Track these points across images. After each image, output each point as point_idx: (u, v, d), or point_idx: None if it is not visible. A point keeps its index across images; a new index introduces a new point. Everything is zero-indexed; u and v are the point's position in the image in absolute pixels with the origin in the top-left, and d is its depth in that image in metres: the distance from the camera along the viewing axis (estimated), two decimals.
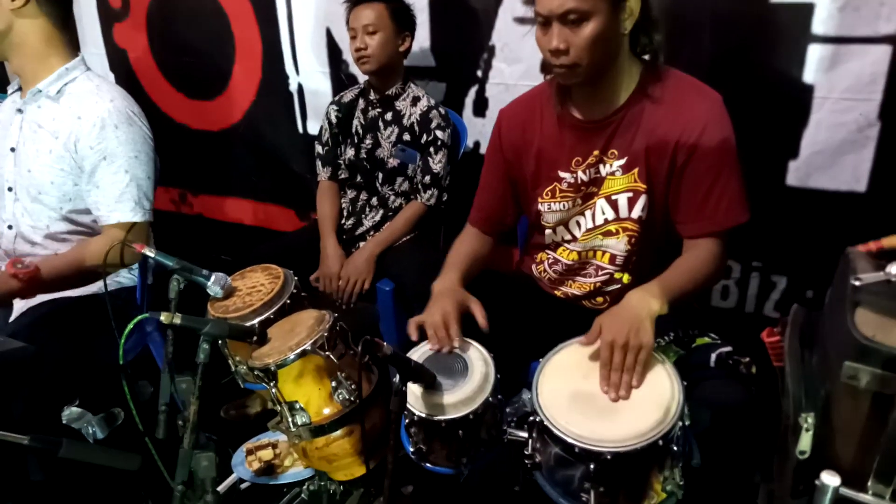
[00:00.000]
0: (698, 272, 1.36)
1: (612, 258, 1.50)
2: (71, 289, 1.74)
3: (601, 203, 1.46)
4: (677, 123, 1.35)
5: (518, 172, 1.55)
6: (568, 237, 1.54)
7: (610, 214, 1.46)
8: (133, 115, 1.75)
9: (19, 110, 1.76)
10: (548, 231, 1.56)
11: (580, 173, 1.46)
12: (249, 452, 1.68)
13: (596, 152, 1.43)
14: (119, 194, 1.71)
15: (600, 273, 1.53)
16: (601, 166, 1.44)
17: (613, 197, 1.44)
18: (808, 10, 1.68)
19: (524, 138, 1.51)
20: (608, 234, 1.48)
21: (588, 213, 1.49)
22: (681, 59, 1.83)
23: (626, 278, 1.51)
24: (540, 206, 1.53)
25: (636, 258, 1.49)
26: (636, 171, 1.41)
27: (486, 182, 1.63)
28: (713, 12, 1.78)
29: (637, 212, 1.44)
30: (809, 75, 1.73)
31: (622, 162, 1.42)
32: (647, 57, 1.40)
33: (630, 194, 1.43)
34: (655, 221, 1.44)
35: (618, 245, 1.48)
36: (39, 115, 1.73)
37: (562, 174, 1.48)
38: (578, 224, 1.51)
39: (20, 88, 1.79)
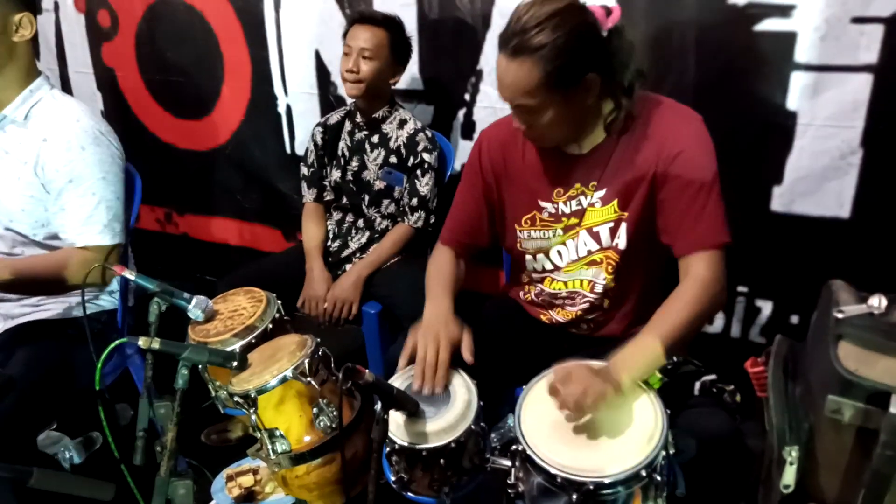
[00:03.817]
0: (687, 310, 1.28)
1: (592, 286, 1.49)
2: (34, 295, 1.69)
3: (584, 235, 1.45)
4: (654, 148, 1.34)
5: (496, 196, 1.54)
6: (549, 266, 1.53)
7: (593, 246, 1.45)
8: (100, 135, 1.70)
9: None
10: (528, 257, 1.55)
11: (562, 205, 1.45)
12: (230, 478, 1.65)
13: (577, 185, 1.43)
14: (87, 217, 1.66)
15: (583, 301, 1.52)
16: (582, 198, 1.44)
17: (595, 229, 1.44)
18: (791, 38, 1.70)
19: (505, 162, 1.50)
20: (592, 263, 1.47)
21: (570, 243, 1.48)
22: (665, 86, 1.87)
23: (605, 303, 1.51)
24: (519, 234, 1.52)
25: (615, 286, 1.47)
26: (616, 201, 1.40)
27: (462, 201, 1.60)
28: (698, 40, 1.80)
29: (617, 240, 1.43)
30: (793, 102, 1.75)
31: (602, 193, 1.41)
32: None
33: (611, 224, 1.42)
34: (637, 250, 1.43)
35: (598, 274, 1.47)
36: (6, 141, 1.69)
37: (542, 203, 1.47)
38: (560, 254, 1.50)
39: None
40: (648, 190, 1.36)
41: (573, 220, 1.46)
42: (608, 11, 1.27)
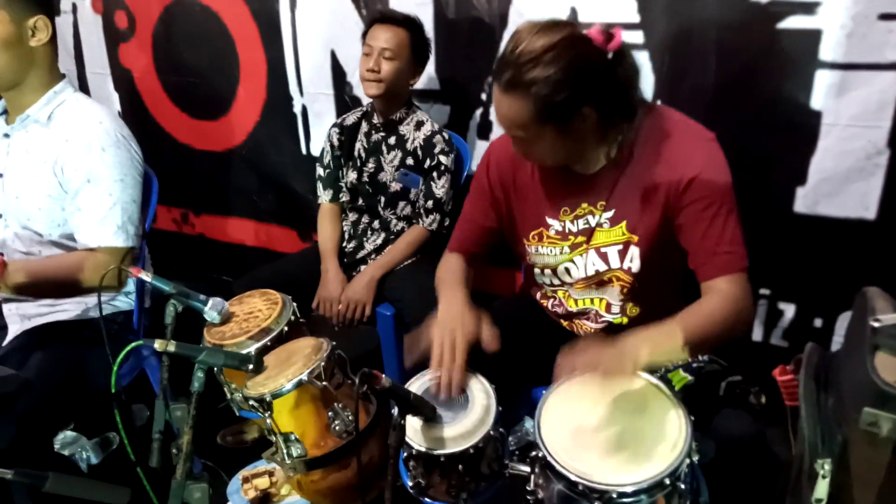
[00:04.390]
0: (713, 313, 1.25)
1: (609, 306, 1.47)
2: (49, 297, 1.69)
3: (592, 255, 1.42)
4: (666, 173, 1.30)
5: (506, 209, 1.51)
6: (557, 282, 1.51)
7: (601, 266, 1.42)
8: (121, 138, 1.70)
9: (6, 135, 1.72)
10: (536, 271, 1.53)
11: (569, 223, 1.43)
12: (245, 480, 1.65)
13: (585, 204, 1.40)
14: (102, 218, 1.65)
15: (599, 320, 1.50)
16: (590, 217, 1.41)
17: (603, 249, 1.41)
18: (816, 36, 1.67)
19: (514, 177, 1.48)
20: (601, 283, 1.45)
21: (579, 260, 1.45)
22: (687, 86, 1.84)
23: (623, 321, 1.48)
24: (527, 248, 1.50)
25: (633, 305, 1.45)
26: (624, 223, 1.37)
27: (470, 213, 1.58)
28: (719, 39, 1.77)
29: (628, 263, 1.40)
30: (817, 102, 1.72)
31: (610, 214, 1.38)
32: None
33: (620, 246, 1.39)
34: (652, 273, 1.40)
35: (612, 294, 1.45)
36: (28, 140, 1.69)
37: (549, 220, 1.45)
38: (568, 271, 1.47)
39: (5, 112, 1.75)
40: (661, 216, 1.33)
41: (580, 239, 1.43)
42: (609, 37, 1.23)
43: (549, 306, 1.57)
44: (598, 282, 1.45)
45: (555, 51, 1.18)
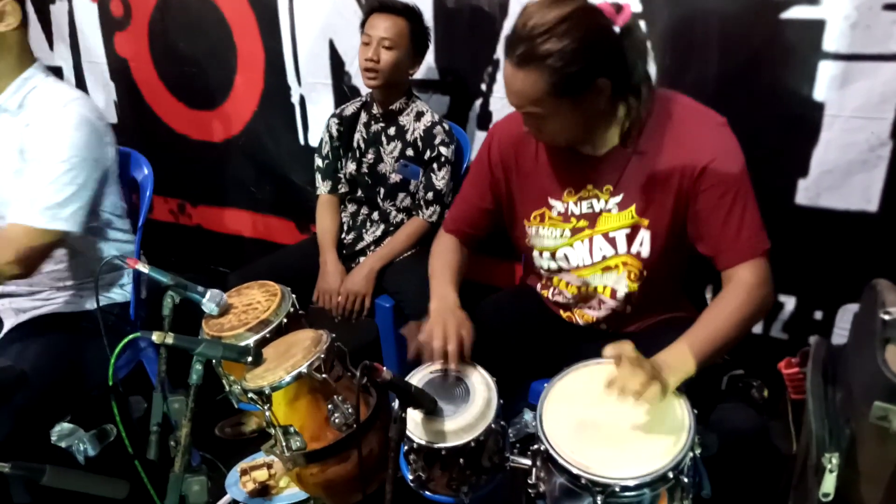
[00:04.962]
0: (732, 312, 1.24)
1: (614, 293, 1.45)
2: None
3: (598, 240, 1.41)
4: (679, 156, 1.29)
5: (505, 190, 1.50)
6: (555, 267, 1.49)
7: (608, 251, 1.41)
8: (84, 122, 1.61)
9: None
10: (535, 254, 1.51)
11: (572, 205, 1.42)
12: (244, 472, 1.64)
13: (589, 186, 1.39)
14: (34, 196, 1.56)
15: (602, 307, 1.48)
16: (595, 201, 1.39)
17: (611, 234, 1.39)
18: (819, 26, 1.65)
19: (517, 158, 1.46)
20: (607, 269, 1.43)
21: (579, 246, 1.43)
22: (688, 77, 1.82)
23: (628, 309, 1.47)
24: (527, 229, 1.49)
25: (639, 293, 1.43)
26: (633, 207, 1.36)
27: (468, 193, 1.58)
28: (721, 29, 1.76)
29: (637, 248, 1.38)
30: (820, 93, 1.70)
31: (618, 199, 1.37)
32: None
33: (628, 230, 1.37)
34: (661, 258, 1.38)
35: (619, 281, 1.43)
36: None
37: (552, 201, 1.44)
38: (567, 257, 1.46)
39: None
40: (674, 202, 1.32)
41: (583, 223, 1.42)
42: (618, 8, 1.22)
43: (550, 295, 1.56)
44: (603, 267, 1.43)
45: (568, 22, 1.17)
